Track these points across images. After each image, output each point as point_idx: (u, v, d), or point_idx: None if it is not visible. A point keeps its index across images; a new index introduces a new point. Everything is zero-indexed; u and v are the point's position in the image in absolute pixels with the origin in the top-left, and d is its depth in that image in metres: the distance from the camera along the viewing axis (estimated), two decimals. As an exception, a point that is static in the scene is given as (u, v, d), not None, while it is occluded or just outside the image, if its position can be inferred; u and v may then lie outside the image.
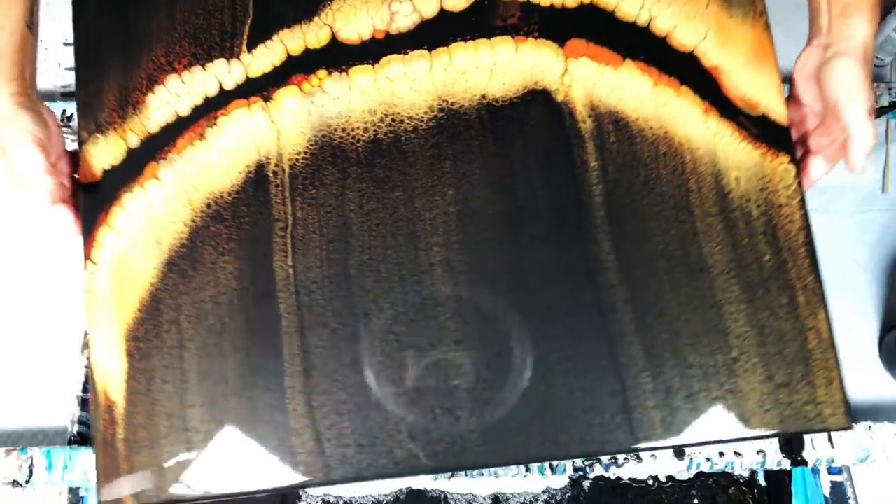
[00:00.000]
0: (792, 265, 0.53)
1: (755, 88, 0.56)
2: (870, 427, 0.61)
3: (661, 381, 0.52)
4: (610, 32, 0.57)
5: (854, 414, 0.67)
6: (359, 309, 0.54)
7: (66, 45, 0.59)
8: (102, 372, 0.55)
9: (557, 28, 0.57)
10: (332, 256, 0.55)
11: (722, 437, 0.52)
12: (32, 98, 0.56)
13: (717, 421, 0.52)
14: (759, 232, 0.54)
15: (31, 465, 0.59)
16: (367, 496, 0.63)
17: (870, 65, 0.52)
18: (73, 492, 0.59)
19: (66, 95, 0.59)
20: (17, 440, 0.66)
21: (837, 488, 0.60)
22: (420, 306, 0.54)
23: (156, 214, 0.56)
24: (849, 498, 0.60)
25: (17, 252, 0.73)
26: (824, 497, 0.60)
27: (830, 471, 0.61)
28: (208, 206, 0.56)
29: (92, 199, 0.57)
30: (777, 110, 0.55)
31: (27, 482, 0.59)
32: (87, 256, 0.56)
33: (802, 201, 0.54)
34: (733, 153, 0.55)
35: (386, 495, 0.63)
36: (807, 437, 0.60)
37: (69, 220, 0.58)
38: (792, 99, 0.57)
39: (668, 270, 0.54)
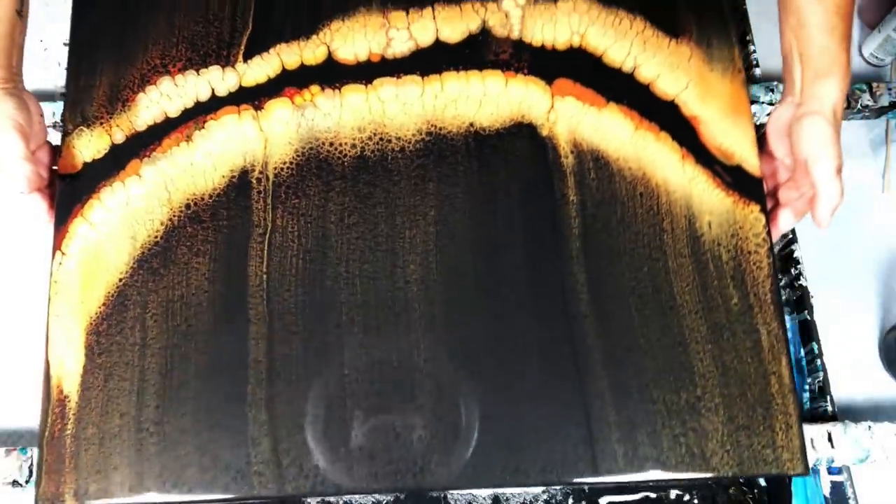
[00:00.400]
0: (758, 310, 0.55)
1: (731, 140, 0.58)
2: (870, 427, 0.60)
3: (626, 416, 0.53)
4: (596, 75, 0.59)
5: (854, 414, 0.67)
6: (331, 321, 0.54)
7: (66, 45, 0.59)
8: (59, 365, 0.53)
9: (546, 67, 0.59)
10: (308, 266, 0.55)
11: (682, 476, 0.52)
12: (18, 86, 0.56)
13: (678, 458, 0.52)
14: (728, 276, 0.55)
15: (31, 465, 0.58)
16: (367, 497, 0.62)
17: (839, 125, 0.54)
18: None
19: (65, 96, 0.59)
20: (17, 440, 0.65)
21: (837, 488, 0.59)
22: (393, 322, 0.54)
23: (133, 210, 0.56)
24: (849, 498, 0.59)
25: (16, 252, 0.72)
26: (824, 497, 0.59)
27: (830, 471, 0.60)
28: (187, 206, 0.56)
29: (69, 189, 0.57)
30: (751, 162, 0.58)
31: (27, 482, 0.58)
32: (57, 246, 0.55)
33: (770, 250, 0.56)
34: (707, 199, 0.57)
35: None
36: (807, 437, 0.60)
37: (42, 209, 0.57)
38: (764, 152, 0.59)
39: (638, 307, 0.55)
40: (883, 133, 0.79)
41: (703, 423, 0.52)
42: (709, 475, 0.52)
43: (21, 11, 0.56)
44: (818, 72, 0.54)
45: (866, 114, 0.76)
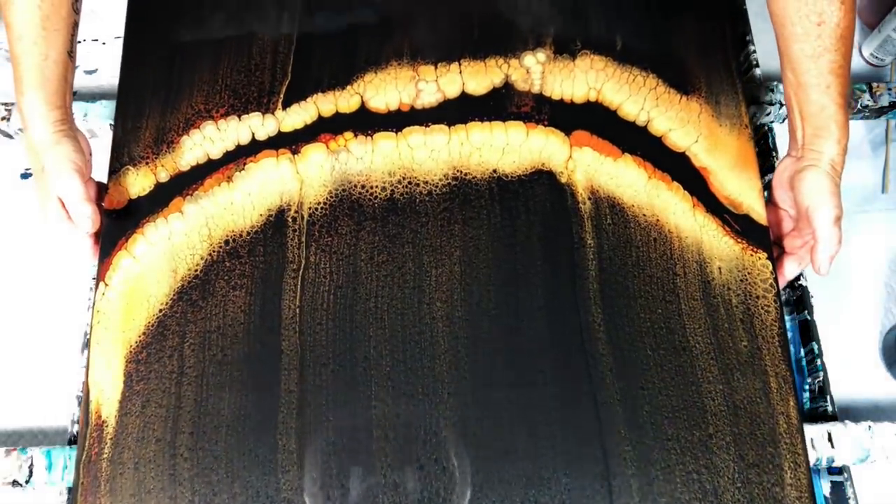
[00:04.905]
0: (766, 352, 0.57)
1: (739, 190, 0.62)
2: (870, 427, 0.61)
3: (641, 452, 0.55)
4: (612, 128, 0.63)
5: (854, 414, 0.67)
6: (359, 353, 0.57)
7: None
8: (98, 390, 0.55)
9: (565, 119, 0.63)
10: (339, 301, 0.58)
11: (696, 512, 0.54)
12: (73, 126, 0.59)
13: (691, 495, 0.54)
14: (738, 319, 0.58)
15: (31, 465, 0.59)
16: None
17: (838, 178, 0.57)
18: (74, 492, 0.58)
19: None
20: (17, 440, 0.66)
21: (837, 488, 0.60)
22: (419, 356, 0.57)
23: (175, 245, 0.59)
24: (849, 498, 0.59)
25: (17, 252, 0.74)
26: (824, 497, 0.60)
27: (830, 471, 0.60)
28: (226, 242, 0.59)
29: (114, 224, 0.60)
30: (758, 211, 0.61)
31: (27, 482, 0.59)
32: (100, 278, 0.58)
33: (777, 295, 0.59)
34: (717, 245, 0.60)
35: None
36: (807, 437, 0.60)
37: (88, 246, 0.60)
38: (770, 203, 0.63)
39: (653, 347, 0.57)
40: (883, 133, 0.79)
41: (715, 460, 0.55)
42: (721, 511, 0.54)
43: (71, 52, 0.58)
44: (817, 130, 0.57)
45: (866, 114, 0.76)
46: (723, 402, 0.56)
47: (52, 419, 0.65)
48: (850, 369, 0.68)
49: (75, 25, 0.58)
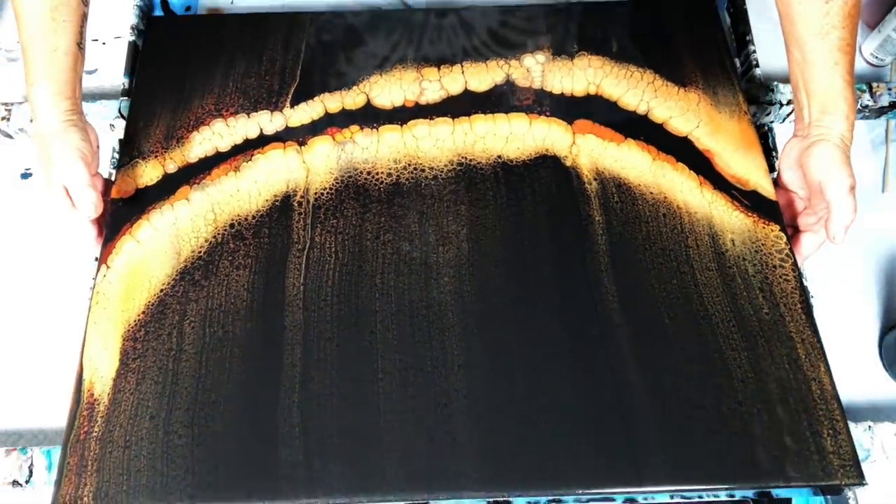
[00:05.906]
0: (790, 319, 0.55)
1: (744, 169, 0.62)
2: (870, 427, 0.58)
3: (667, 423, 0.51)
4: (613, 116, 0.64)
5: (854, 414, 0.63)
6: (365, 328, 0.54)
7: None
8: (91, 369, 0.53)
9: (566, 110, 0.65)
10: (344, 278, 0.56)
11: (731, 486, 0.50)
12: (81, 116, 0.59)
13: (725, 467, 0.50)
14: (756, 287, 0.56)
15: (31, 465, 0.57)
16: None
17: (848, 150, 0.57)
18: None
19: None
20: (17, 440, 0.63)
21: (837, 488, 0.55)
22: (426, 329, 0.54)
23: (180, 229, 0.59)
24: (849, 498, 0.55)
25: (18, 252, 0.73)
26: (824, 497, 0.57)
27: None
28: (231, 225, 0.59)
29: (120, 211, 0.60)
30: (765, 188, 0.61)
31: (27, 482, 0.56)
32: (102, 261, 0.57)
33: (795, 264, 0.57)
34: (727, 219, 0.59)
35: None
36: None
37: (91, 236, 0.60)
38: (779, 185, 0.62)
39: (671, 316, 0.55)
40: (883, 133, 0.78)
41: (748, 429, 0.51)
42: (759, 484, 0.50)
43: (81, 44, 0.59)
44: (824, 107, 0.57)
45: (866, 114, 0.75)
46: (749, 369, 0.53)
47: (52, 419, 0.63)
48: (850, 369, 0.66)
49: (84, 17, 0.59)
